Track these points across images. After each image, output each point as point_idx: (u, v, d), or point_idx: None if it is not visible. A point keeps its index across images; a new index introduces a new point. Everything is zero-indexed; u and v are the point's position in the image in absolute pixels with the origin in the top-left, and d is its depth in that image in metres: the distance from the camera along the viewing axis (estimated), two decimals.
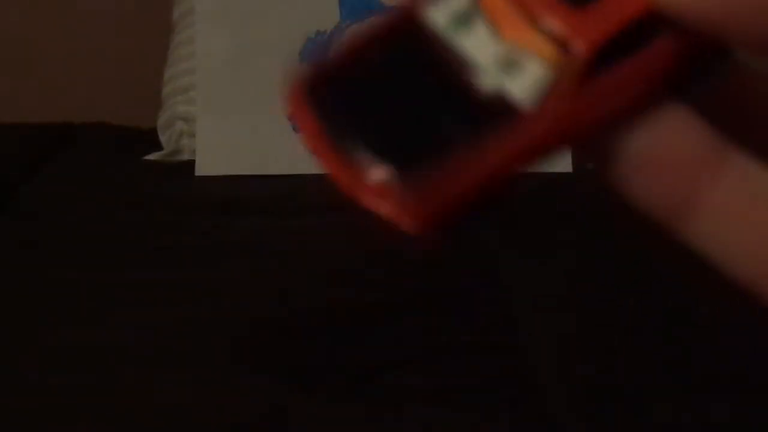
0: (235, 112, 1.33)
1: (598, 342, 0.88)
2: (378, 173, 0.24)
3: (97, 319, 0.92)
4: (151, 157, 1.38)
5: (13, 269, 1.03)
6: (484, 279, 0.99)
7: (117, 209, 1.18)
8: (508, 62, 0.25)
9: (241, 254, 1.06)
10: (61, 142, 1.41)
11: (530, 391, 0.81)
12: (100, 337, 0.89)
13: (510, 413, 0.78)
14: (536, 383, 0.82)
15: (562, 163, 1.18)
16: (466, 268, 1.01)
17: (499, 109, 0.25)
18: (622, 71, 0.26)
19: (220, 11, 1.35)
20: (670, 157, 0.25)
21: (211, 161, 1.32)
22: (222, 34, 1.35)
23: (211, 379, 0.82)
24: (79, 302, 0.95)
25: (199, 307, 0.94)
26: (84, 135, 1.44)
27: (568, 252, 1.03)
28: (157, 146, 1.40)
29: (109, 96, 1.61)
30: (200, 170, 1.32)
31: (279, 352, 0.87)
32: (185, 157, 1.37)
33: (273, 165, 1.29)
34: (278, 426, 0.77)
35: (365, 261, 1.01)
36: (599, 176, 0.26)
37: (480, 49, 0.25)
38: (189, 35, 1.40)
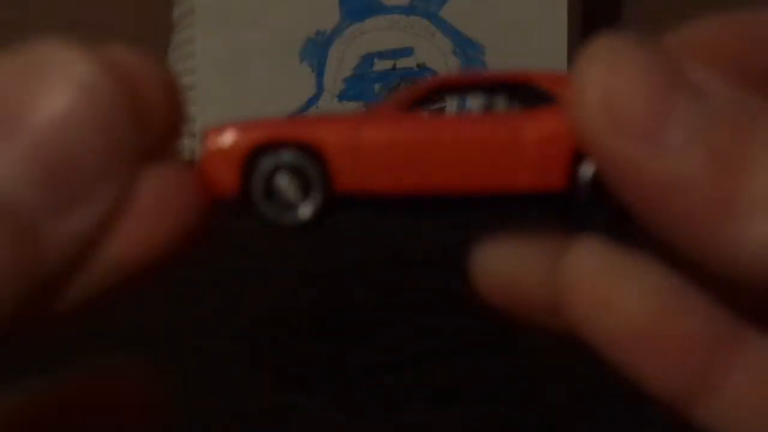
0: (235, 112, 1.33)
1: None
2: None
3: (97, 319, 0.92)
4: None
5: None
6: None
7: None
8: None
9: (241, 254, 1.06)
10: None
11: (530, 391, 0.81)
12: (99, 336, 0.89)
13: (510, 413, 0.78)
14: (536, 383, 0.82)
15: None
16: (465, 269, 1.01)
17: None
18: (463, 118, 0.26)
19: (220, 11, 1.35)
20: (678, 334, 0.23)
21: None
22: (222, 34, 1.35)
23: (211, 378, 0.82)
24: None
25: (199, 306, 0.94)
26: None
27: None
28: None
29: None
30: None
31: (279, 352, 0.87)
32: (185, 157, 1.37)
33: None
34: (278, 426, 0.77)
35: (365, 261, 1.01)
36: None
37: None
38: (189, 35, 1.40)
